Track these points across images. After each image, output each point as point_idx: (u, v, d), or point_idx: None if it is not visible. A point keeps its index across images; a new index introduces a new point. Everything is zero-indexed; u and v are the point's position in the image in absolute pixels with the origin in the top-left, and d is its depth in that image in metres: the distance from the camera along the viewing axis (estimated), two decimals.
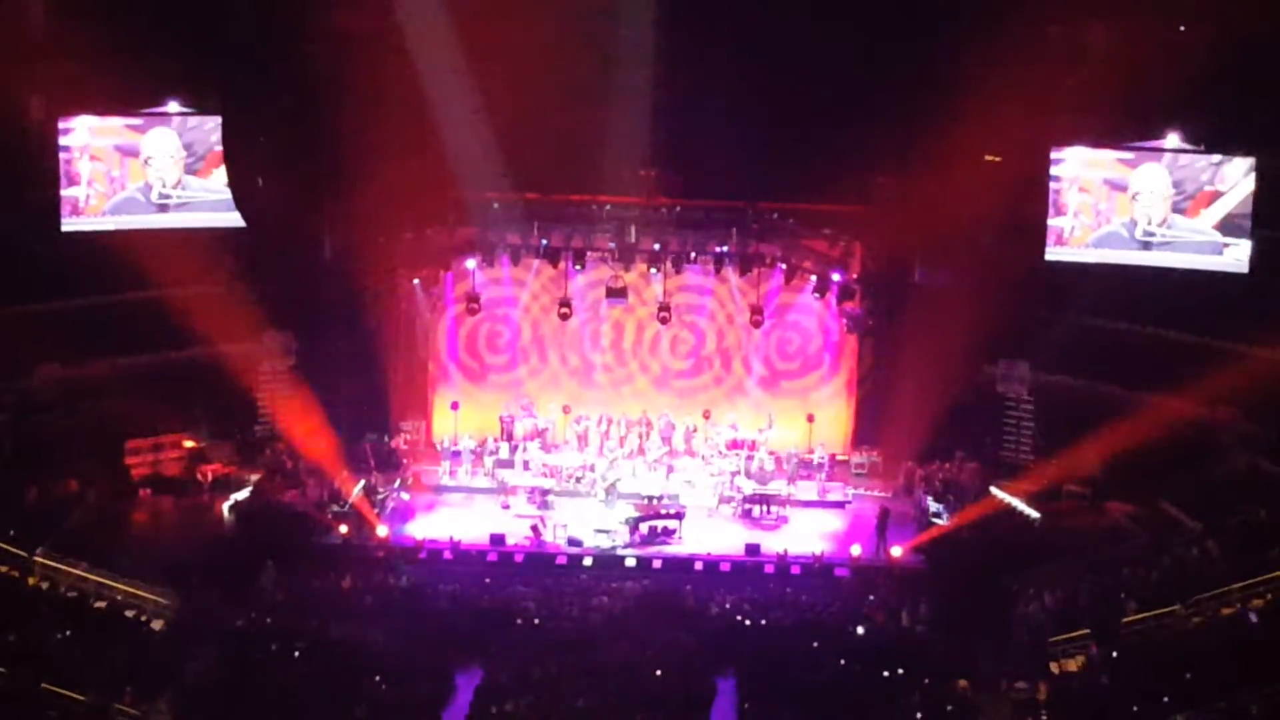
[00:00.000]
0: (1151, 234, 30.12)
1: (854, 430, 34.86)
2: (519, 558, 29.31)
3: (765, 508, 31.51)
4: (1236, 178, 29.30)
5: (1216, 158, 29.43)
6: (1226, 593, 24.26)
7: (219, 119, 30.83)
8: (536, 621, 26.29)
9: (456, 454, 33.35)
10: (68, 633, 24.21)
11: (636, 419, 33.92)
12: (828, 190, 32.43)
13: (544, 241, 33.21)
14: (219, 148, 30.90)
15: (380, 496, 31.22)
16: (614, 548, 29.58)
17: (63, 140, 30.01)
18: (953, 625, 26.16)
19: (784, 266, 33.45)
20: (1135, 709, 22.37)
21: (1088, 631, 25.07)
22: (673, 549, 29.81)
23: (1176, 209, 29.87)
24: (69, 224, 30.33)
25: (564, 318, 33.72)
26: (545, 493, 31.64)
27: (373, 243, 32.89)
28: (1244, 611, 23.87)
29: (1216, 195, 29.48)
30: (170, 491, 30.80)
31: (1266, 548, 25.22)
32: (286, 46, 30.47)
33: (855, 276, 33.70)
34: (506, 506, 31.69)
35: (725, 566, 29.10)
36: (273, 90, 31.30)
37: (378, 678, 23.88)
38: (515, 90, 29.71)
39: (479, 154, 31.34)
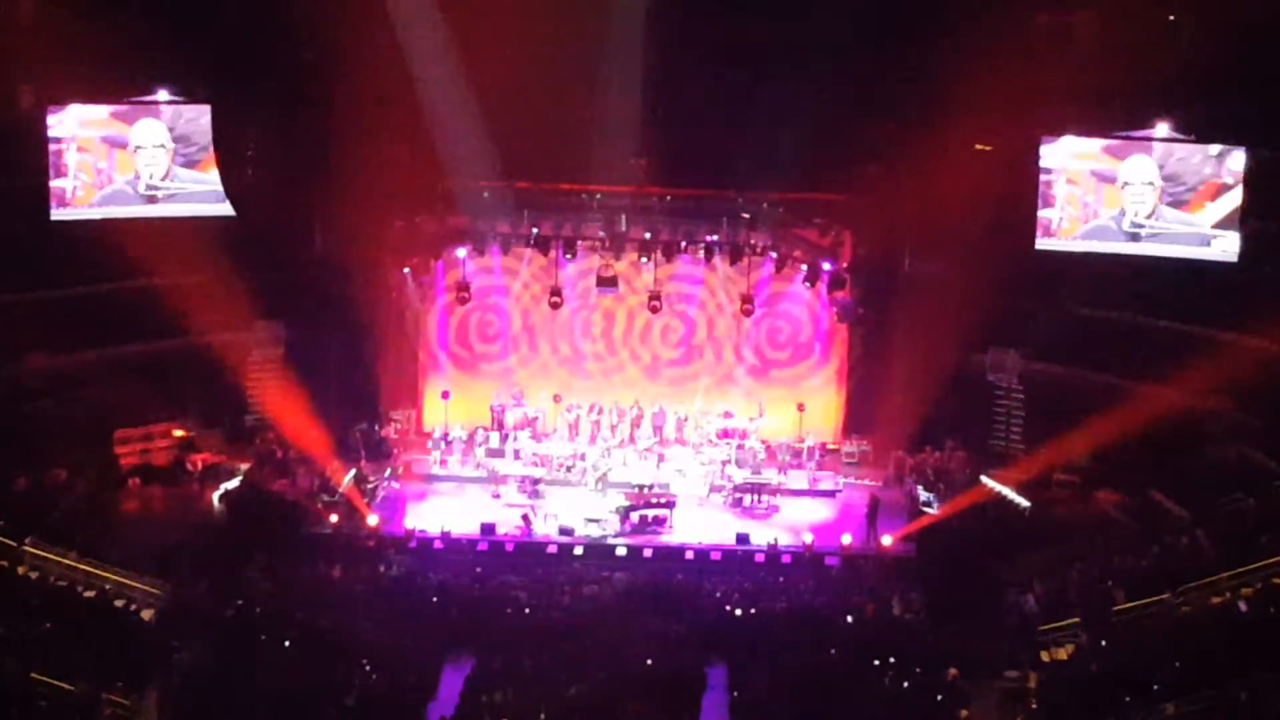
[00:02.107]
0: (1140, 226, 30.15)
1: (844, 419, 34.81)
2: (510, 547, 29.27)
3: (756, 496, 31.52)
4: (1239, 170, 29.25)
5: (1217, 149, 29.40)
6: (1215, 581, 24.29)
7: (209, 109, 30.74)
8: (527, 611, 26.29)
9: (447, 443, 33.31)
10: (57, 622, 24.11)
11: (628, 407, 33.93)
12: (818, 180, 32.48)
13: (534, 230, 33.17)
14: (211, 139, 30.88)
15: (370, 486, 31.18)
16: (605, 537, 29.56)
17: (51, 130, 29.87)
18: (943, 614, 26.18)
19: (774, 256, 33.41)
20: (1125, 698, 22.39)
21: (1077, 620, 25.13)
22: (663, 538, 29.80)
23: (1178, 202, 29.85)
24: (58, 214, 30.24)
25: (555, 306, 33.71)
26: (536, 482, 31.60)
27: (363, 231, 32.73)
28: (1233, 600, 23.94)
29: (1222, 188, 29.45)
30: (159, 481, 30.74)
31: (1255, 536, 25.26)
32: (276, 35, 30.39)
33: (845, 266, 33.64)
34: (497, 496, 31.63)
35: (716, 555, 29.11)
36: (262, 79, 31.20)
37: (368, 667, 23.85)
38: (505, 78, 29.69)
39: (469, 142, 31.28)
